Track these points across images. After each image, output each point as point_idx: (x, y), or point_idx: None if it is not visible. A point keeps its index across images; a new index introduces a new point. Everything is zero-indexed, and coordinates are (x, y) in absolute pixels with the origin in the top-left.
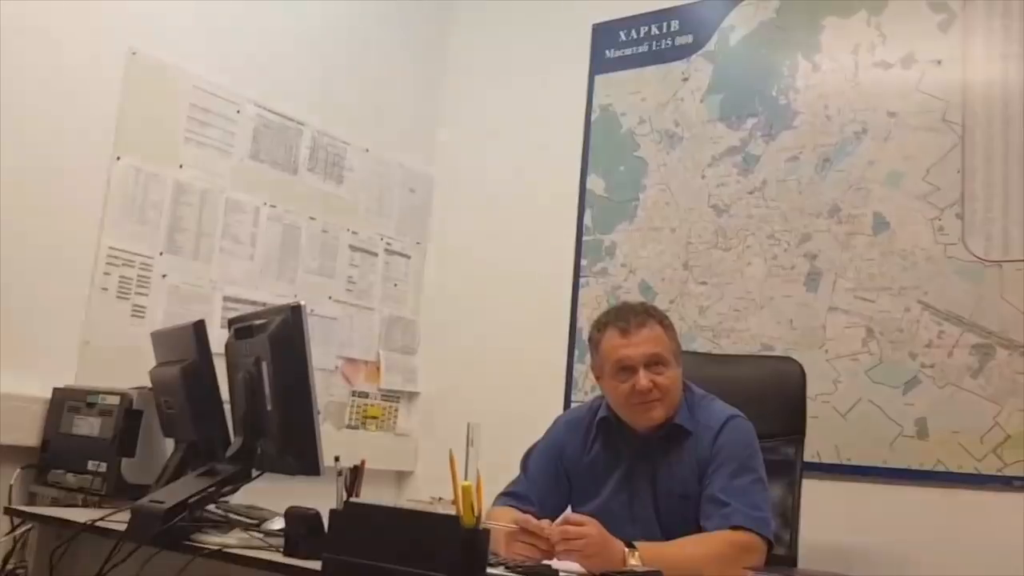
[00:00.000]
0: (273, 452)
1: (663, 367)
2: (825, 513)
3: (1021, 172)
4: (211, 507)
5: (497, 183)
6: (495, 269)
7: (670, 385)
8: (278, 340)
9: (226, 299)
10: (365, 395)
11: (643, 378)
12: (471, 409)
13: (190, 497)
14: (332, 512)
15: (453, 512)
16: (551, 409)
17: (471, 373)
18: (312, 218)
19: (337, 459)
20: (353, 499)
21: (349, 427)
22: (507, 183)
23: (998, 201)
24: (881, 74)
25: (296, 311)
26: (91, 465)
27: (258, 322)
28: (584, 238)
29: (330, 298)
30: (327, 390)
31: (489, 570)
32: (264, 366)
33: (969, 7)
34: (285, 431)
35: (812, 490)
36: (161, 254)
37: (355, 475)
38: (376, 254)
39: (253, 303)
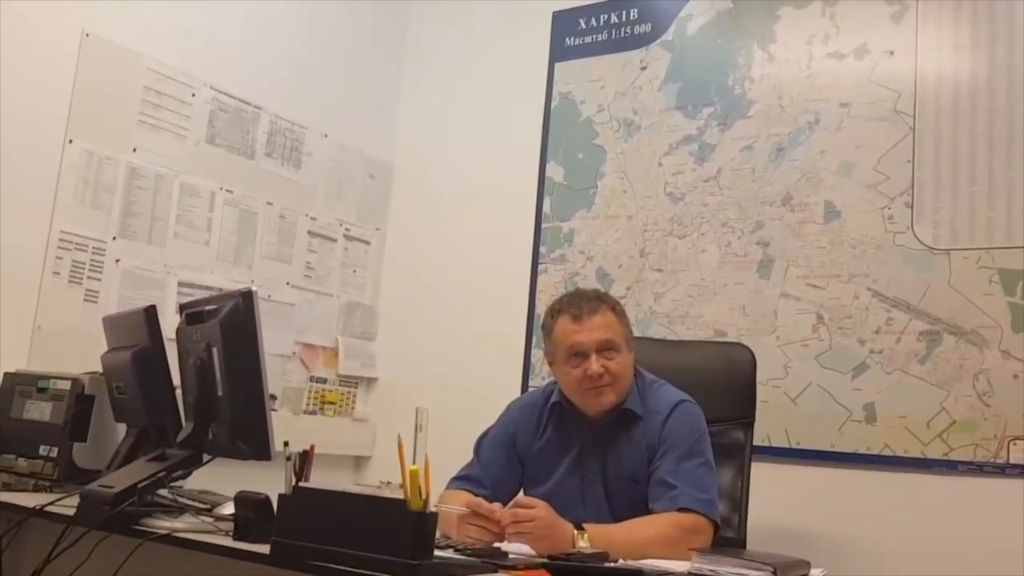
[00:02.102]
0: (224, 437)
1: (615, 353)
2: (775, 496)
3: (970, 162)
4: (163, 492)
5: (457, 169)
6: (454, 255)
7: (621, 371)
8: (229, 326)
9: (181, 284)
10: (323, 380)
11: (594, 363)
12: (429, 394)
13: (139, 482)
14: (281, 497)
15: (401, 496)
16: (508, 394)
17: (430, 359)
18: (269, 203)
19: (286, 444)
20: (302, 484)
21: (307, 412)
22: (467, 170)
23: (947, 191)
24: (835, 64)
25: (247, 296)
26: (42, 450)
27: (209, 308)
28: (543, 225)
29: (288, 284)
30: (284, 376)
31: (438, 552)
32: (215, 352)
33: None
34: (236, 417)
35: (762, 473)
36: (114, 238)
37: (304, 460)
38: (335, 240)
39: (208, 288)
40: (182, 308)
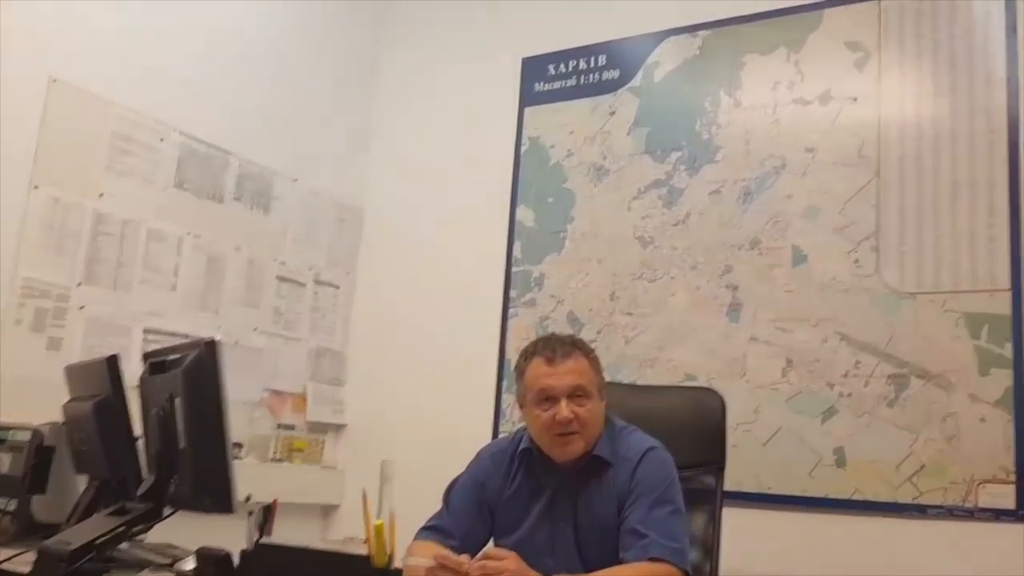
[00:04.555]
0: (186, 490)
1: (585, 399)
2: (746, 542)
3: (933, 205)
4: (124, 546)
5: (428, 214)
6: (425, 300)
7: (590, 418)
8: (192, 376)
9: (147, 331)
10: (291, 427)
11: (564, 408)
12: (399, 441)
13: (97, 538)
14: (242, 553)
15: (365, 551)
16: (480, 440)
17: (400, 404)
18: (238, 248)
19: (248, 498)
20: (264, 539)
21: (274, 460)
22: (438, 214)
23: (911, 234)
24: (800, 110)
25: (210, 346)
26: (1, 503)
27: (172, 357)
28: (513, 269)
29: (255, 329)
30: (251, 423)
31: None
32: (177, 402)
33: (884, 46)
34: (198, 469)
35: (734, 519)
36: (79, 285)
37: (267, 514)
38: (304, 285)
39: (175, 335)
40: (146, 357)
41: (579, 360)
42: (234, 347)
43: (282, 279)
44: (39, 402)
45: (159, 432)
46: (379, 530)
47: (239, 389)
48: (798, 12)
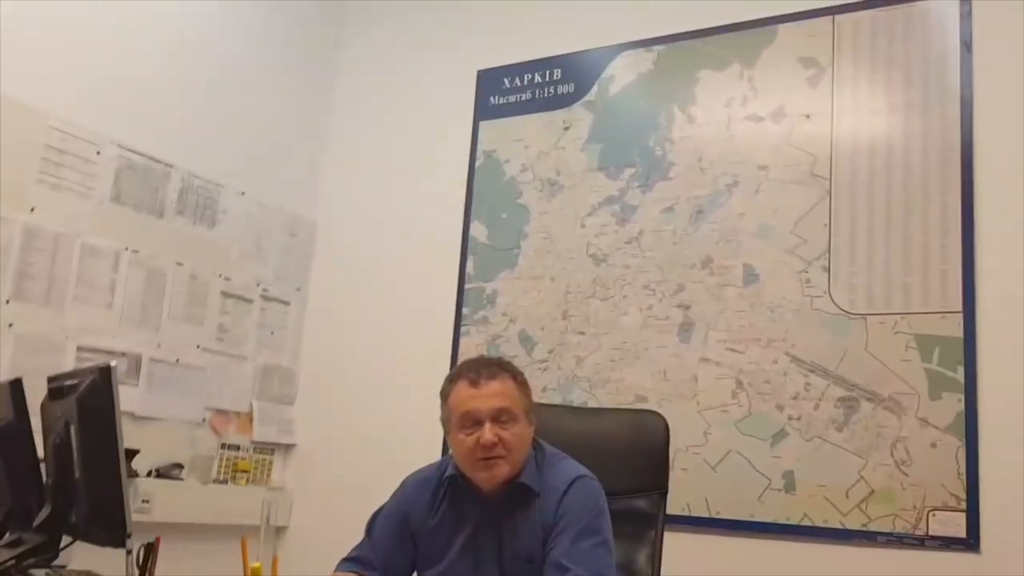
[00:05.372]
0: (83, 521)
1: (511, 423)
2: (694, 568)
3: (885, 226)
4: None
5: (382, 227)
6: (378, 316)
7: (516, 442)
8: (86, 403)
9: (80, 349)
10: (236, 448)
11: (488, 431)
12: (350, 460)
13: None
14: None
15: None
16: (430, 460)
17: (351, 423)
18: (179, 263)
19: (129, 535)
20: None
21: (217, 482)
22: (393, 228)
23: (862, 255)
24: (753, 127)
25: (104, 372)
26: None
27: (69, 383)
28: (466, 286)
29: (198, 347)
30: (193, 444)
31: None
32: (73, 430)
33: (839, 62)
34: (93, 500)
35: (681, 544)
36: (8, 302)
37: (148, 553)
38: (251, 300)
39: (111, 353)
40: (48, 381)
41: (505, 382)
42: (175, 365)
43: (227, 295)
44: None
45: (55, 461)
46: (256, 572)
47: (180, 408)
48: (752, 28)
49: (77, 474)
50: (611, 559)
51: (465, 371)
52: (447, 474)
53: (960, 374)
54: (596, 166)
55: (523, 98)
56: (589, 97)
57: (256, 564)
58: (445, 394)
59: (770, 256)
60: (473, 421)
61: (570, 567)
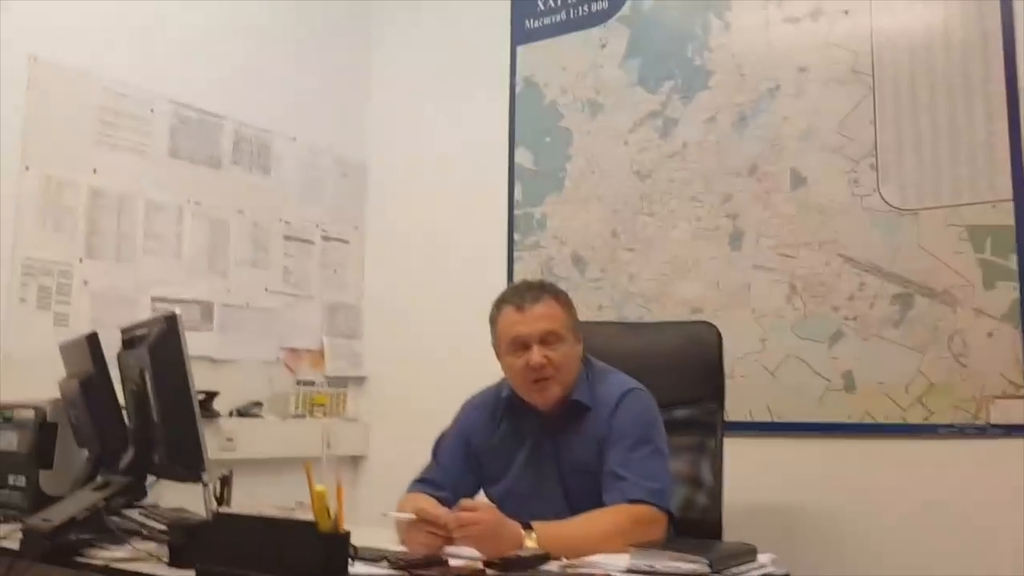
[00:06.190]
0: (164, 461)
1: (558, 343)
2: (756, 473)
3: (930, 118)
4: (132, 514)
5: (430, 162)
6: (434, 249)
7: (564, 361)
8: (157, 351)
9: (155, 300)
10: (311, 383)
11: (536, 354)
12: (419, 389)
13: (78, 513)
14: (200, 523)
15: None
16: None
17: (418, 353)
18: (240, 211)
19: (204, 470)
20: (221, 509)
21: (295, 416)
22: (440, 162)
23: (909, 149)
24: (790, 29)
25: (171, 320)
26: (11, 480)
27: (139, 332)
28: (515, 212)
29: (266, 290)
30: (269, 382)
31: (364, 569)
32: (147, 376)
33: None
34: (171, 440)
35: (743, 450)
36: (81, 260)
37: (224, 484)
38: (312, 242)
39: (183, 301)
40: (121, 333)
41: (549, 304)
42: (245, 308)
43: (288, 238)
44: (49, 379)
45: (134, 407)
46: (320, 495)
47: (254, 349)
48: None
49: (155, 418)
50: (665, 466)
51: (510, 296)
52: (504, 395)
53: (1013, 262)
54: (635, 81)
55: (558, 19)
56: (623, 12)
57: (320, 487)
58: (493, 320)
59: (816, 158)
60: (521, 344)
61: (625, 475)
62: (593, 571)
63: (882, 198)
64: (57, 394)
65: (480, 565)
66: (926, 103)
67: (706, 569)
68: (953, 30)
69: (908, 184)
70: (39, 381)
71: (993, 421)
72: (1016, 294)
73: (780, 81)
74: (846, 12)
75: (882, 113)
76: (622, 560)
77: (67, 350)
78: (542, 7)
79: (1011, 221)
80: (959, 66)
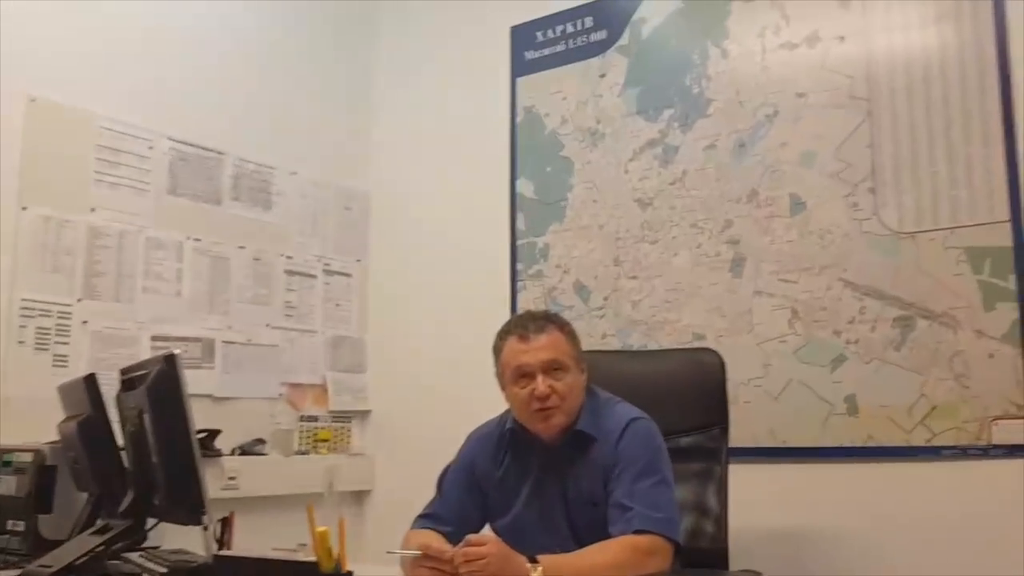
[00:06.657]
0: (164, 503)
1: (562, 373)
2: (761, 498)
3: (927, 141)
4: (134, 556)
5: (433, 194)
6: (436, 281)
7: (568, 391)
8: (156, 392)
9: (155, 339)
10: (314, 419)
11: (541, 384)
12: (424, 422)
13: (76, 559)
14: (200, 567)
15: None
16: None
17: (422, 386)
18: (241, 247)
19: (204, 512)
20: (222, 552)
21: (299, 453)
22: (442, 193)
23: (907, 173)
24: (788, 55)
25: (170, 360)
26: (10, 524)
27: (138, 373)
28: (518, 242)
29: (268, 325)
30: (272, 418)
31: None
32: (146, 418)
33: None
34: (170, 482)
35: (747, 476)
36: (79, 300)
37: (224, 526)
38: (314, 276)
39: (185, 339)
40: (121, 373)
41: (553, 334)
42: (247, 345)
43: (291, 272)
44: (48, 421)
45: (133, 448)
46: (323, 536)
47: (257, 386)
48: None
49: (154, 459)
50: (671, 496)
51: (514, 327)
52: (507, 427)
53: (1012, 283)
54: (635, 110)
55: (557, 50)
56: (622, 42)
57: (321, 528)
58: (497, 350)
59: (815, 183)
60: (525, 374)
61: (632, 506)
62: None
63: (881, 222)
64: (57, 437)
65: None
66: (923, 126)
67: None
68: (949, 54)
69: (906, 207)
70: (38, 423)
71: (995, 442)
72: (1016, 315)
73: (778, 107)
74: (842, 38)
75: (879, 137)
76: None
77: (65, 392)
78: (541, 38)
79: (1009, 242)
80: (955, 89)
